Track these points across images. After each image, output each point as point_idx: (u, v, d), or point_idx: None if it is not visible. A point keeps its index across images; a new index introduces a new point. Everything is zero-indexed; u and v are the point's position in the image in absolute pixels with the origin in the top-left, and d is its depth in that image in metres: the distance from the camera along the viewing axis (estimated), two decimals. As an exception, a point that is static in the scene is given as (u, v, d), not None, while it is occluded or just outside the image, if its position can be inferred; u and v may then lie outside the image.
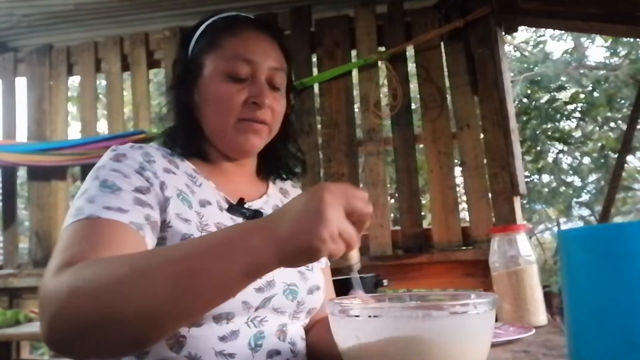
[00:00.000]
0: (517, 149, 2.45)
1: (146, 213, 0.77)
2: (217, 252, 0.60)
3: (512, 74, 6.71)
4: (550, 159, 7.31)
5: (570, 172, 7.39)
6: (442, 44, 2.60)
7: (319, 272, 0.96)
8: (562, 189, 7.22)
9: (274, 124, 0.93)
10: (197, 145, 0.92)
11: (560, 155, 7.48)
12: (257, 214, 0.92)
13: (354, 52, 2.76)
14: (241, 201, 0.91)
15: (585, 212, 7.64)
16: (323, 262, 1.03)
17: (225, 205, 0.89)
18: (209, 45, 0.91)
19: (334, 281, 1.06)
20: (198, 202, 0.85)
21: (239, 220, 0.89)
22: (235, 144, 0.90)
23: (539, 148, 7.08)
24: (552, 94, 7.16)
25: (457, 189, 2.56)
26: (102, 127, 3.63)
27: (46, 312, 0.61)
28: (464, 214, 2.84)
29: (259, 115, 0.88)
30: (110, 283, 0.59)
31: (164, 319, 0.60)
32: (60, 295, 0.60)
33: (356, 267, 0.68)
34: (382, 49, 2.66)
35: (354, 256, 0.68)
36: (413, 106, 2.99)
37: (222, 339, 0.78)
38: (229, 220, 0.87)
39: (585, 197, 7.46)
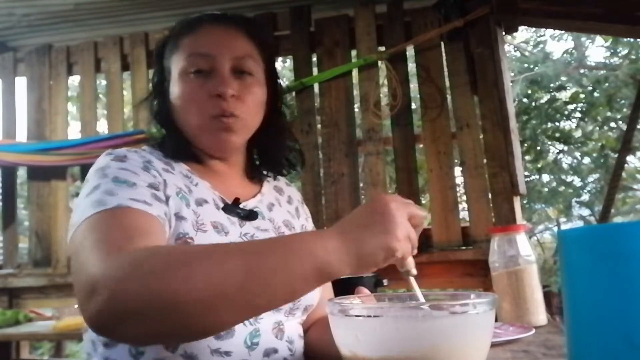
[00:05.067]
0: (517, 149, 2.44)
1: (164, 209, 0.77)
2: (293, 249, 0.60)
3: (512, 74, 6.70)
4: (550, 159, 7.31)
5: (570, 172, 7.39)
6: (442, 43, 2.60)
7: None
8: (562, 188, 7.22)
9: (248, 114, 0.89)
10: (185, 149, 0.92)
11: (560, 155, 7.47)
12: (251, 213, 0.92)
13: (353, 52, 2.75)
14: (236, 201, 0.91)
15: (585, 212, 7.64)
16: None
17: (222, 204, 0.89)
18: (171, 50, 0.92)
19: (335, 281, 1.06)
20: (195, 201, 0.85)
21: (235, 219, 0.89)
22: (211, 142, 0.90)
23: (539, 148, 7.08)
24: (552, 94, 7.15)
25: (457, 188, 2.56)
26: (102, 127, 3.63)
27: (102, 293, 0.57)
28: (464, 214, 2.84)
29: (225, 107, 0.86)
30: (179, 264, 0.57)
31: (225, 307, 0.57)
32: (119, 274, 0.58)
33: (413, 273, 0.69)
34: (382, 48, 2.65)
35: (411, 262, 0.69)
36: (413, 106, 2.99)
37: (218, 337, 0.78)
38: (225, 219, 0.87)
39: (585, 197, 7.45)
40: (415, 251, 0.67)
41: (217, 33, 0.90)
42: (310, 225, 1.08)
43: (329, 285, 1.04)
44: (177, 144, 0.91)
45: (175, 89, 0.89)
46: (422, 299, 0.69)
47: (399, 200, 0.66)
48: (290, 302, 0.65)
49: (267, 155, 1.02)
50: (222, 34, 0.90)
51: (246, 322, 0.81)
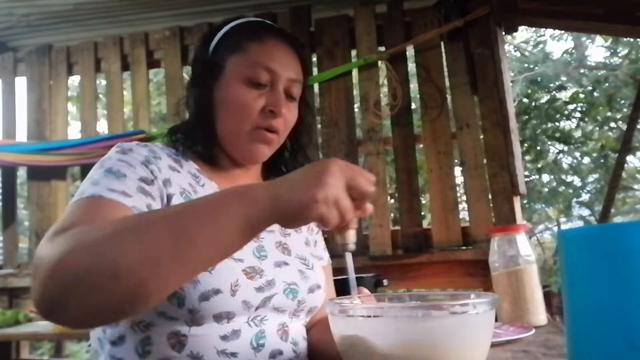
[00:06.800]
0: (517, 149, 2.45)
1: (148, 202, 0.77)
2: (215, 204, 0.62)
3: (512, 74, 6.70)
4: (550, 159, 7.31)
5: (570, 172, 7.39)
6: (442, 43, 2.60)
7: (319, 271, 0.95)
8: (562, 188, 7.22)
9: (284, 133, 0.93)
10: (209, 146, 0.92)
11: (560, 155, 7.47)
12: None
13: (353, 52, 2.76)
14: None
15: (585, 212, 7.64)
16: (325, 260, 1.03)
17: None
18: (232, 48, 0.90)
19: (335, 281, 1.06)
20: None
21: None
22: (247, 151, 0.91)
23: (539, 148, 7.08)
24: (552, 94, 7.16)
25: (457, 188, 2.56)
26: (102, 127, 3.63)
27: (39, 274, 0.59)
28: (464, 214, 2.84)
29: (274, 124, 0.89)
30: (106, 237, 0.59)
31: (160, 271, 0.58)
32: (53, 255, 0.59)
33: (349, 248, 0.68)
34: (382, 48, 2.66)
35: (350, 235, 0.67)
36: (413, 106, 2.99)
37: (224, 338, 0.78)
38: None
39: (585, 197, 7.45)
40: (356, 225, 0.65)
41: (283, 50, 0.91)
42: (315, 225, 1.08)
43: (331, 287, 1.04)
44: (204, 138, 0.91)
45: (227, 90, 0.89)
46: (352, 278, 0.69)
47: (347, 167, 0.63)
48: (222, 259, 0.64)
49: (279, 168, 1.03)
50: (287, 52, 0.92)
51: (251, 323, 0.81)
